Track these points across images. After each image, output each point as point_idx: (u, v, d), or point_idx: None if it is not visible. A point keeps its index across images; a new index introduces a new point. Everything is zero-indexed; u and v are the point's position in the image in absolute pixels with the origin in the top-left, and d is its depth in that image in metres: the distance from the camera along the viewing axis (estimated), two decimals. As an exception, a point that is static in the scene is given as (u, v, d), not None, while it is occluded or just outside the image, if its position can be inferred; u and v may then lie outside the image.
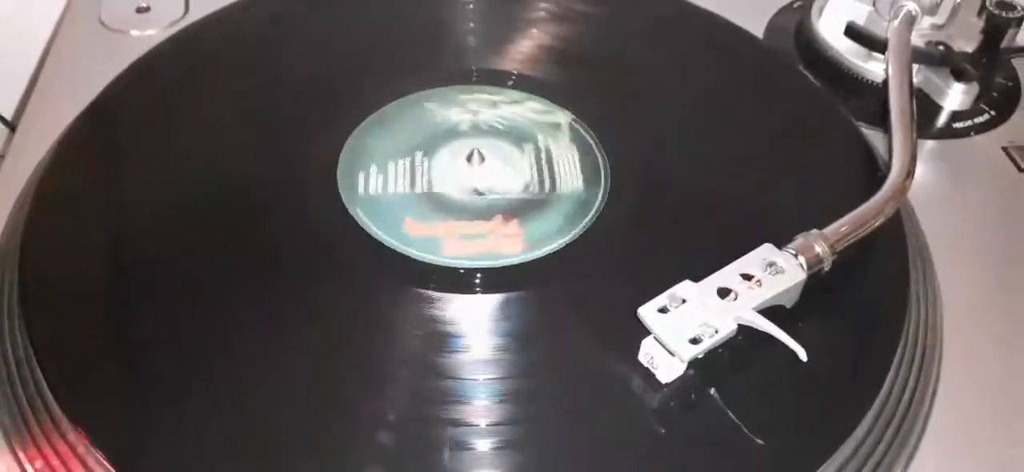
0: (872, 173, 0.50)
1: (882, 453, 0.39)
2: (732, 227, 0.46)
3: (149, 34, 0.60)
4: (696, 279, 0.40)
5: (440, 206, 0.47)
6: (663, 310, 0.39)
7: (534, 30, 0.59)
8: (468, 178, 0.49)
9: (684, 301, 0.39)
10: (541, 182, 0.49)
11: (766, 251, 0.41)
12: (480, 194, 0.48)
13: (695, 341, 0.38)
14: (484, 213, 0.47)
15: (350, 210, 0.46)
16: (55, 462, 0.37)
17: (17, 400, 0.39)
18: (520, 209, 0.47)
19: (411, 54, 0.57)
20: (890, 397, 0.40)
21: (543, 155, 0.50)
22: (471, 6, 0.61)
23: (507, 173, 0.49)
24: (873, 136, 0.54)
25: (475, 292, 0.43)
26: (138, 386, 0.39)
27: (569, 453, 0.38)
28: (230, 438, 0.37)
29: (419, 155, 0.50)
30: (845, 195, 0.46)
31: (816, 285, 0.42)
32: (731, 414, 0.38)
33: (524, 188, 0.49)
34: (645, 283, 0.40)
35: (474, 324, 0.42)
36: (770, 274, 0.40)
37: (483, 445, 0.37)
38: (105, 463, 0.36)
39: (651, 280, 0.40)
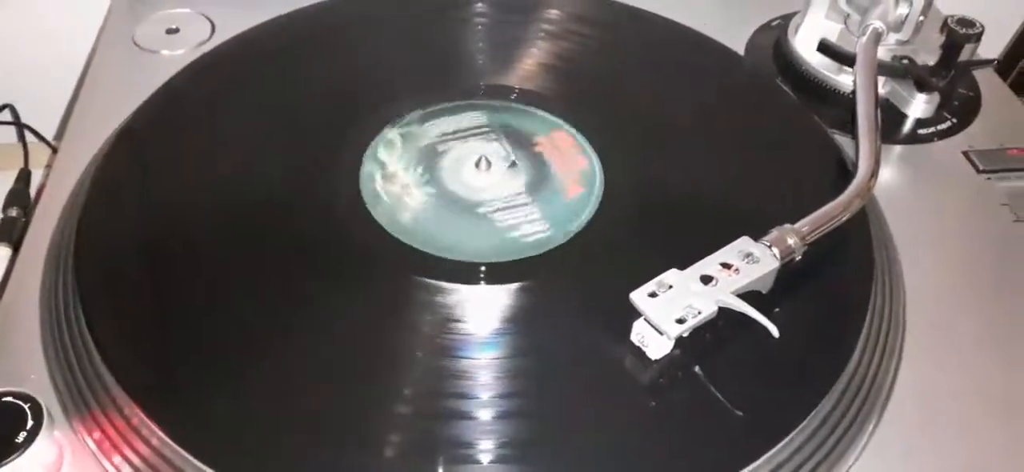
0: (841, 174, 0.55)
1: (848, 423, 0.44)
2: (715, 224, 0.51)
3: (179, 54, 0.64)
4: (681, 268, 0.45)
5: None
6: (652, 295, 0.43)
7: (531, 49, 0.64)
8: (468, 173, 0.54)
9: (671, 286, 0.44)
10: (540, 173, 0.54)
11: (743, 243, 0.46)
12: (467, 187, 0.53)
13: (680, 321, 0.42)
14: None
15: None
16: (111, 432, 0.42)
17: (74, 376, 0.44)
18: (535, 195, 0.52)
19: (410, 74, 0.62)
20: (856, 372, 0.45)
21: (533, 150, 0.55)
22: (480, 29, 0.67)
23: (497, 182, 0.54)
24: (844, 142, 0.59)
25: (479, 282, 0.48)
26: (185, 360, 0.44)
27: (569, 423, 0.42)
28: (269, 408, 0.42)
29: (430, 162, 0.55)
30: (817, 194, 0.51)
31: (790, 273, 0.46)
32: (713, 388, 0.43)
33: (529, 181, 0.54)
34: (639, 272, 0.45)
35: (481, 311, 0.47)
36: (747, 263, 0.45)
37: (492, 413, 0.42)
38: (157, 431, 0.40)
39: (644, 270, 0.45)
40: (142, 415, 0.41)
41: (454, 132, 0.57)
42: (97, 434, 0.42)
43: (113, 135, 0.56)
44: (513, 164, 0.55)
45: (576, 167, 0.55)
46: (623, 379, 0.44)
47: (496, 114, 0.58)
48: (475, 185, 0.54)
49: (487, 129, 0.57)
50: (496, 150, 0.55)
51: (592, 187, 0.53)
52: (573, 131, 0.57)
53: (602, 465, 0.41)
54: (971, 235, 0.55)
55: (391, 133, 0.56)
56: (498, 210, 0.52)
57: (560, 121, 0.58)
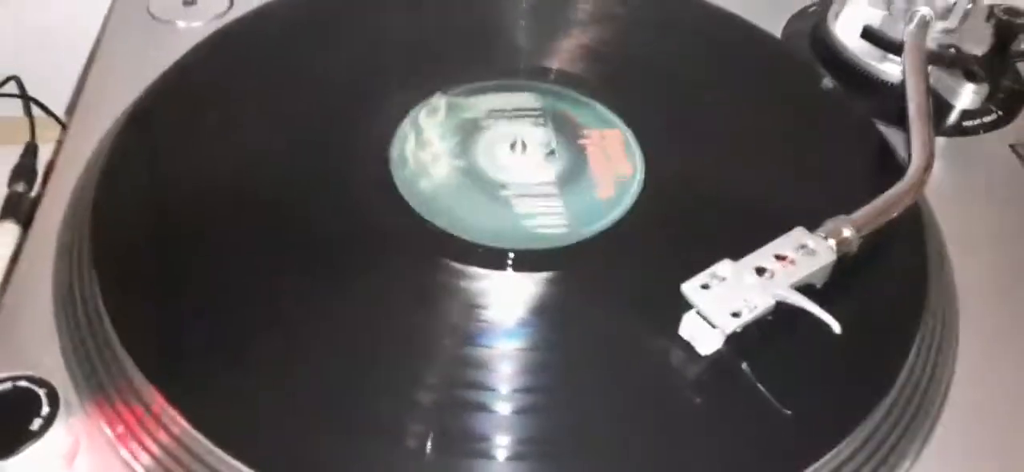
0: (889, 166, 0.53)
1: (903, 429, 0.42)
2: (761, 215, 0.49)
3: (196, 26, 0.62)
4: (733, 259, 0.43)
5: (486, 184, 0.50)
6: (705, 286, 0.41)
7: (569, 30, 0.62)
8: (514, 162, 0.52)
9: (724, 279, 0.42)
10: (576, 167, 0.52)
11: (799, 234, 0.44)
12: (523, 180, 0.51)
13: (735, 315, 0.40)
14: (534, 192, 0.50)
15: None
16: (130, 419, 0.39)
17: (90, 360, 0.41)
18: (564, 189, 0.50)
19: (459, 49, 0.60)
20: (912, 374, 0.43)
21: (578, 142, 0.53)
22: (525, 6, 0.64)
23: (545, 159, 0.52)
24: (888, 133, 0.57)
25: (506, 269, 0.46)
26: (207, 345, 0.42)
27: (614, 415, 0.40)
28: (293, 394, 0.40)
29: (468, 136, 0.53)
30: (864, 186, 0.49)
31: (842, 268, 0.44)
32: (761, 387, 0.41)
33: (561, 172, 0.51)
34: (685, 264, 0.43)
35: (514, 300, 0.45)
36: (803, 255, 0.43)
37: (527, 405, 0.40)
38: (180, 419, 0.38)
39: (690, 261, 0.43)
40: (163, 401, 0.39)
41: (495, 111, 0.55)
42: (115, 421, 0.40)
43: (128, 109, 0.54)
44: (551, 152, 0.52)
45: (618, 155, 0.53)
46: (667, 376, 0.42)
47: (541, 97, 0.56)
48: (506, 166, 0.51)
49: (528, 112, 0.55)
50: (535, 134, 0.53)
51: (634, 175, 0.51)
52: (614, 118, 0.55)
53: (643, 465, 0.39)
54: (1019, 229, 0.53)
55: (420, 112, 0.54)
56: (521, 196, 0.50)
57: (605, 109, 0.56)
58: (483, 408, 0.40)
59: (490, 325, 0.43)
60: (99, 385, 0.41)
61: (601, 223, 0.48)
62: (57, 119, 0.73)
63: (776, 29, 0.67)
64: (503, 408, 0.40)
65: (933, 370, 0.44)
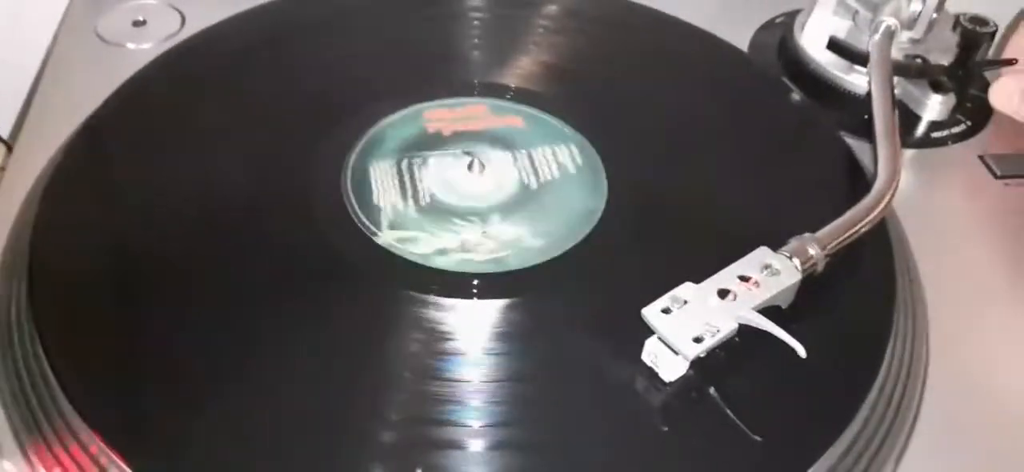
0: (856, 180, 0.52)
1: (874, 451, 0.41)
2: (725, 233, 0.48)
3: (145, 48, 0.60)
4: (695, 281, 0.41)
5: (446, 214, 0.48)
6: (666, 311, 0.40)
7: (529, 45, 0.61)
8: (468, 185, 0.50)
9: (686, 302, 0.40)
10: (540, 184, 0.50)
11: (762, 254, 0.43)
12: (481, 197, 0.49)
13: (698, 340, 0.39)
14: (484, 215, 0.48)
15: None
16: (70, 466, 0.38)
17: (28, 402, 0.39)
18: (519, 210, 0.49)
19: (415, 66, 0.58)
20: (882, 392, 0.42)
21: (535, 160, 0.52)
22: (474, 23, 0.63)
23: (503, 178, 0.51)
24: (856, 145, 0.56)
25: (472, 297, 0.44)
26: (150, 386, 0.40)
27: (575, 450, 0.39)
28: (243, 438, 0.38)
29: (416, 164, 0.51)
30: (831, 201, 0.48)
31: (808, 287, 0.43)
32: (730, 412, 0.40)
33: (523, 189, 0.50)
34: (646, 286, 0.41)
35: (476, 328, 0.43)
36: (767, 275, 0.42)
37: (490, 442, 0.38)
38: (120, 463, 0.36)
39: (652, 283, 0.41)
40: (103, 446, 0.37)
41: (447, 132, 0.53)
42: (54, 467, 0.38)
43: (73, 134, 0.52)
44: (508, 168, 0.51)
45: (577, 174, 0.51)
46: (632, 403, 0.40)
47: (493, 115, 0.54)
48: (465, 190, 0.50)
49: (483, 130, 0.53)
50: (490, 153, 0.52)
51: (595, 197, 0.50)
52: (575, 135, 0.54)
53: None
54: (990, 241, 0.53)
55: (378, 131, 0.52)
56: (489, 216, 0.48)
57: (560, 123, 0.54)
58: (450, 445, 0.38)
59: (445, 356, 0.41)
60: (38, 429, 0.39)
61: (560, 246, 0.47)
62: (5, 143, 0.71)
63: (743, 41, 0.66)
64: (470, 443, 0.39)
65: (904, 386, 0.43)
